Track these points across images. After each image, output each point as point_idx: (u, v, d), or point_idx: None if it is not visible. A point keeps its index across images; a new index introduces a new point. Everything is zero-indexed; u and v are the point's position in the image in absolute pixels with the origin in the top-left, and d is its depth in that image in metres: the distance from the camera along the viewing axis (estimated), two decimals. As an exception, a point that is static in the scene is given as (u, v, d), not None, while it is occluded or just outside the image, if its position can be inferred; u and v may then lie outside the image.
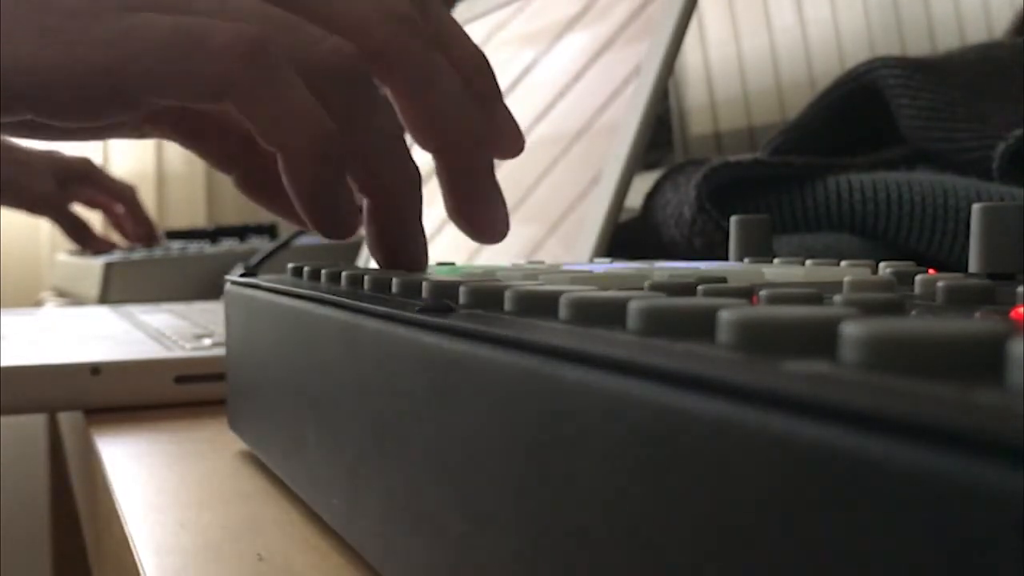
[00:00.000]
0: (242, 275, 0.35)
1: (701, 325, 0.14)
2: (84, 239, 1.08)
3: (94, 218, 1.22)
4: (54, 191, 1.05)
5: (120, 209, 1.11)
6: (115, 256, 0.94)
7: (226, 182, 0.35)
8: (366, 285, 0.25)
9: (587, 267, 0.29)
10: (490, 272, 0.27)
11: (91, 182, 1.09)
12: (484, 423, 0.16)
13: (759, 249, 0.34)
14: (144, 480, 0.34)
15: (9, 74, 0.28)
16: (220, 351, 0.45)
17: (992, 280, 0.21)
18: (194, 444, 0.38)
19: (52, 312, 0.78)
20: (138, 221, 1.11)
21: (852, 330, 0.11)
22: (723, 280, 0.22)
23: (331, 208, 0.29)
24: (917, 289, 0.22)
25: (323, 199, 0.29)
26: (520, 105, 0.59)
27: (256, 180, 0.35)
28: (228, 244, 1.01)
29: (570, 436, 0.14)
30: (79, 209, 1.10)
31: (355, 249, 0.79)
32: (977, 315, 0.17)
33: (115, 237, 1.15)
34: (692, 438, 0.11)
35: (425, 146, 0.31)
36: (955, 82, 0.53)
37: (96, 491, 0.39)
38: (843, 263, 0.29)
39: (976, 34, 0.72)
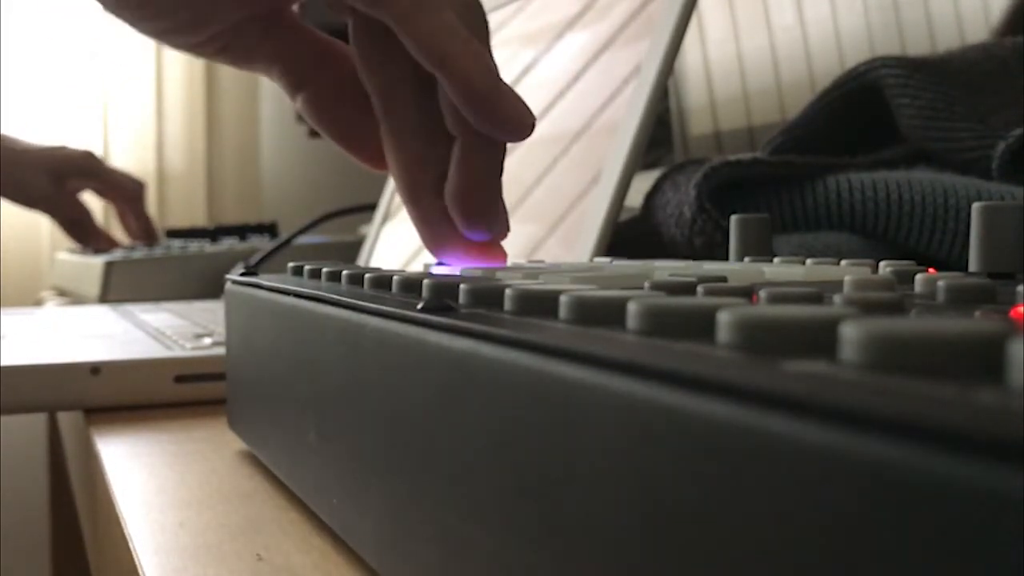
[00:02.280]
0: (242, 274, 0.35)
1: (701, 325, 0.14)
2: (83, 236, 1.07)
3: (94, 206, 1.21)
4: (50, 189, 1.05)
5: (123, 204, 1.10)
6: (115, 255, 0.94)
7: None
8: (366, 284, 0.25)
9: (587, 266, 0.29)
10: (490, 272, 0.27)
11: (94, 176, 1.08)
12: (484, 422, 0.16)
13: (759, 248, 0.34)
14: (144, 480, 0.34)
15: None
16: (220, 350, 0.45)
17: (992, 279, 0.21)
18: (194, 444, 0.38)
19: (52, 311, 0.78)
20: (138, 218, 1.10)
21: (852, 330, 0.11)
22: (723, 280, 0.22)
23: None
24: (917, 288, 0.22)
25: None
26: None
27: (323, 102, 0.36)
28: (228, 243, 1.01)
29: (570, 435, 0.14)
30: (83, 201, 1.09)
31: (355, 249, 0.79)
32: (977, 315, 0.17)
33: (117, 233, 1.14)
34: (692, 438, 0.11)
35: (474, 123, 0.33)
36: (955, 81, 0.53)
37: (96, 491, 0.39)
38: (843, 262, 0.29)
39: (976, 34, 0.72)
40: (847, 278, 0.22)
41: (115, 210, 1.12)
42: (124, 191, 1.09)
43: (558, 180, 0.52)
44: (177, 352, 0.47)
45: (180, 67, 1.60)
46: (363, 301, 0.22)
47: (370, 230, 0.75)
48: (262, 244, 0.96)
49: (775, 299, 0.17)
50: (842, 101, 0.58)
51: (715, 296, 0.18)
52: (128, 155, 1.56)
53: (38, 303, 1.14)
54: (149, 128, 1.58)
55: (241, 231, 1.09)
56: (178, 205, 1.58)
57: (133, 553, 0.26)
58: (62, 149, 1.09)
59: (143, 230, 1.10)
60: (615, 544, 0.13)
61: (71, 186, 1.07)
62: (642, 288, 0.20)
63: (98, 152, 1.55)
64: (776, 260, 0.31)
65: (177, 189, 1.60)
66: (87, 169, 1.08)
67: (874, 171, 0.52)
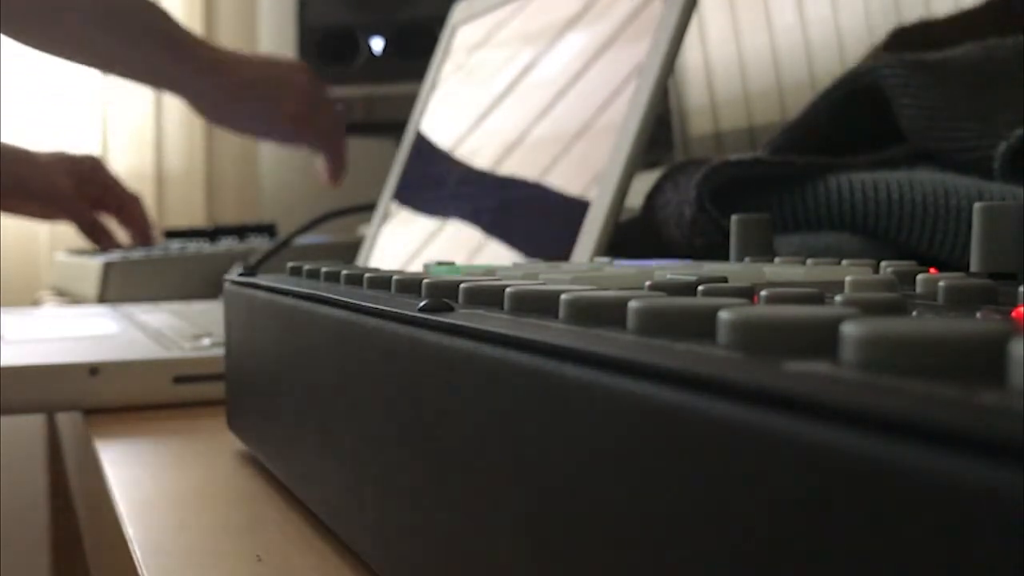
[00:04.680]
0: (241, 274, 0.35)
1: (701, 325, 0.14)
2: (102, 238, 1.07)
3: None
4: (73, 192, 1.04)
5: (123, 214, 1.08)
6: (114, 256, 0.94)
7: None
8: (365, 284, 0.25)
9: (586, 266, 0.29)
10: (490, 271, 0.27)
11: (97, 182, 1.07)
12: (484, 422, 0.16)
13: (759, 249, 0.34)
14: (144, 481, 0.34)
15: None
16: (219, 351, 0.45)
17: (993, 280, 0.21)
18: (193, 444, 0.38)
19: (51, 312, 0.78)
20: (140, 231, 1.09)
21: (852, 330, 0.11)
22: (723, 280, 0.22)
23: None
24: (918, 289, 0.22)
25: None
26: (520, 105, 0.59)
27: None
28: (227, 244, 1.01)
29: (570, 435, 0.14)
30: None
31: (354, 249, 0.79)
32: (978, 315, 0.17)
33: (120, 235, 1.14)
34: (692, 437, 0.11)
35: None
36: (956, 81, 0.53)
37: (95, 491, 0.39)
38: (844, 263, 0.29)
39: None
40: (848, 278, 0.21)
41: (115, 218, 1.10)
42: (128, 202, 1.08)
43: (558, 180, 0.52)
44: (176, 353, 0.47)
45: (180, 67, 1.60)
46: (362, 301, 0.22)
47: (369, 230, 0.75)
48: (261, 244, 0.96)
49: (776, 299, 0.17)
50: (843, 101, 0.58)
51: (715, 296, 0.18)
52: (127, 155, 1.56)
53: (36, 303, 1.14)
54: (148, 128, 1.58)
55: (240, 231, 1.09)
56: (177, 206, 1.58)
57: (133, 554, 0.26)
58: (68, 152, 1.07)
59: (144, 239, 1.09)
60: (616, 543, 0.13)
61: (87, 190, 1.06)
62: (642, 288, 0.20)
63: (97, 153, 1.55)
64: (777, 260, 0.31)
65: (176, 190, 1.60)
66: (93, 173, 1.07)
67: (875, 171, 0.52)
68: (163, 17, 0.98)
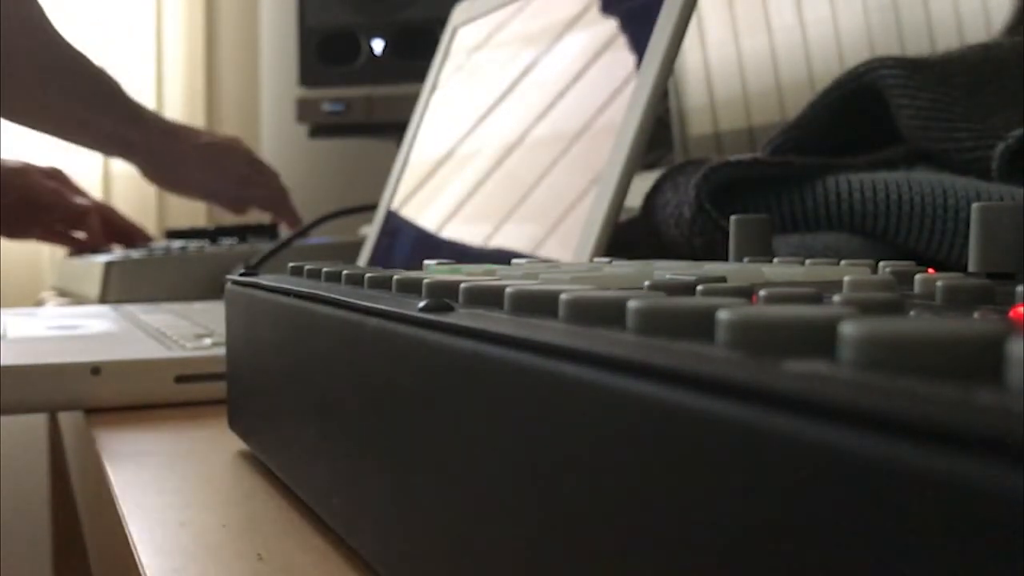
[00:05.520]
0: (242, 274, 0.35)
1: (700, 325, 0.14)
2: (77, 242, 1.07)
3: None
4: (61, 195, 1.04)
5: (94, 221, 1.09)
6: (116, 255, 0.94)
7: None
8: (366, 284, 0.25)
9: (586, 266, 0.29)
10: (490, 271, 0.27)
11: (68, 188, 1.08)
12: (483, 422, 0.16)
13: (758, 249, 0.34)
14: (144, 480, 0.34)
15: None
16: (220, 351, 0.45)
17: (991, 280, 0.21)
18: (194, 444, 0.38)
19: (52, 311, 0.78)
20: (127, 231, 1.10)
21: (851, 330, 0.11)
22: (722, 280, 0.22)
23: None
24: (916, 289, 0.22)
25: None
26: (520, 105, 0.59)
27: None
28: (228, 244, 1.01)
29: (570, 434, 0.14)
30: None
31: (355, 250, 0.79)
32: (976, 315, 0.17)
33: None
34: (690, 437, 0.11)
35: None
36: (955, 82, 0.53)
37: (96, 491, 0.39)
38: (842, 263, 0.29)
39: (976, 34, 0.72)
40: (846, 278, 0.22)
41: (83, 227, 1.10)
42: (98, 210, 1.09)
43: (558, 180, 0.52)
44: (177, 352, 0.47)
45: (180, 67, 1.60)
46: (363, 301, 0.22)
47: (370, 231, 0.75)
48: (262, 245, 0.96)
49: (774, 299, 0.17)
50: (842, 101, 0.58)
51: (714, 296, 0.18)
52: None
53: (39, 303, 1.14)
54: (149, 129, 1.58)
55: (241, 232, 1.09)
56: (178, 206, 1.58)
57: (134, 553, 0.26)
58: (34, 164, 1.08)
59: (137, 237, 1.09)
60: (615, 541, 0.13)
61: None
62: (641, 288, 0.20)
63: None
64: (775, 260, 0.31)
65: (177, 190, 1.59)
66: (62, 181, 1.07)
67: (874, 171, 0.52)
68: (119, 88, 1.02)
